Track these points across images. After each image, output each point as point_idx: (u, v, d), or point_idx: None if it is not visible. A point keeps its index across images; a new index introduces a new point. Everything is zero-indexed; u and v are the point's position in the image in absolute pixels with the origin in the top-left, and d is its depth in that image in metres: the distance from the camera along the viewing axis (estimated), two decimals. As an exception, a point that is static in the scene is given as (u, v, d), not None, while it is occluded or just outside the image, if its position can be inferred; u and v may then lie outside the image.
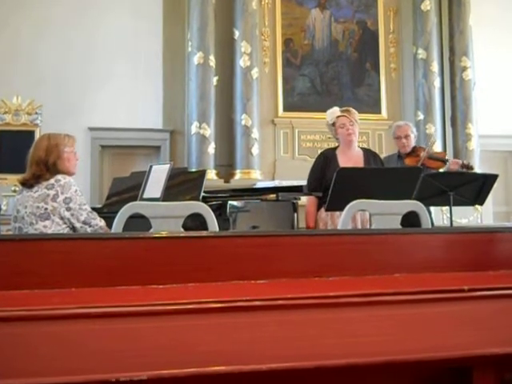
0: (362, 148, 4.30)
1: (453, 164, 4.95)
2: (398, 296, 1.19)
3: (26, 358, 0.93)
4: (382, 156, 5.10)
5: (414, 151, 4.92)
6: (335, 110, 4.15)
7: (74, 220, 3.18)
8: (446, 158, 5.17)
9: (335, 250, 1.52)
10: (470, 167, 5.27)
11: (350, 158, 4.04)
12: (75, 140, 3.46)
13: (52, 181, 3.20)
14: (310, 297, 1.17)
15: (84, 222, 3.20)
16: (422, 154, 4.83)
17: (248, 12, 7.83)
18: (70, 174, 3.34)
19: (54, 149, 3.29)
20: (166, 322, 1.04)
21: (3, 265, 1.27)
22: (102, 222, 3.29)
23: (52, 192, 3.17)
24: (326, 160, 4.05)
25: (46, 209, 3.15)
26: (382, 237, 1.63)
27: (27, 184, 3.27)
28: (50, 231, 3.11)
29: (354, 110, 4.17)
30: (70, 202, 3.17)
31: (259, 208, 4.05)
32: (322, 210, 3.90)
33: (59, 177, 3.22)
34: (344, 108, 4.21)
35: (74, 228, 3.20)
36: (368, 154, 4.20)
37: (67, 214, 3.17)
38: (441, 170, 4.98)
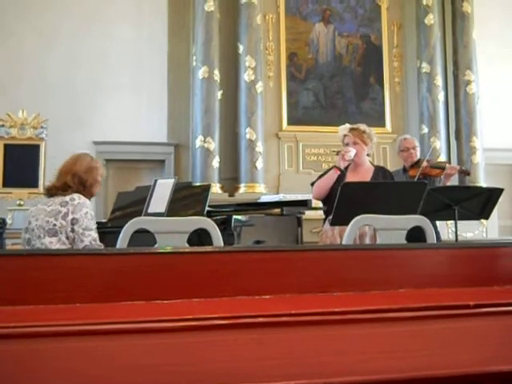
0: (374, 165, 4.28)
1: (450, 169, 4.98)
2: (403, 312, 1.19)
3: (31, 377, 0.93)
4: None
5: (418, 162, 4.97)
6: (344, 128, 4.15)
7: (75, 245, 3.13)
8: (446, 165, 5.19)
9: (340, 265, 1.52)
10: (467, 172, 5.32)
11: (358, 174, 4.03)
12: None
13: (67, 198, 3.19)
14: (315, 313, 1.17)
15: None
16: (423, 164, 4.87)
17: (252, 27, 7.87)
18: (93, 196, 3.39)
19: (94, 170, 3.33)
20: (171, 339, 1.04)
21: (9, 280, 1.27)
22: None
23: (64, 210, 3.15)
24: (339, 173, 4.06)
25: (54, 225, 3.12)
26: (387, 252, 1.62)
27: (51, 191, 3.27)
28: (54, 248, 3.09)
29: (363, 128, 4.12)
30: (75, 223, 3.13)
31: (264, 222, 4.06)
32: (327, 223, 3.91)
33: (75, 196, 3.21)
34: (353, 126, 4.17)
35: None
36: (378, 171, 4.18)
37: (72, 235, 3.14)
38: (441, 177, 5.01)
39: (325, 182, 4.01)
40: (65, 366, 0.95)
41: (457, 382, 1.06)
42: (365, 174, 4.06)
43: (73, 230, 3.14)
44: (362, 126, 4.15)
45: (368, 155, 4.20)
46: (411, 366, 1.06)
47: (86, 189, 3.27)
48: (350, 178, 3.99)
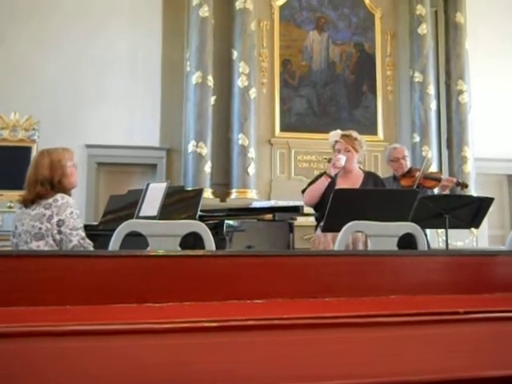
0: (364, 171, 4.30)
1: (446, 181, 4.98)
2: (393, 318, 1.19)
3: (22, 375, 0.93)
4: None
5: (410, 172, 4.96)
6: (335, 134, 4.16)
7: (63, 246, 3.06)
8: (441, 176, 5.21)
9: (331, 271, 1.53)
10: (464, 185, 5.31)
11: (348, 180, 4.05)
12: (73, 153, 3.41)
13: (50, 200, 3.12)
14: (305, 317, 1.17)
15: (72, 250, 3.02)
16: (418, 174, 4.86)
17: (246, 33, 7.90)
18: (73, 188, 3.29)
19: (57, 165, 3.20)
20: (162, 341, 1.04)
21: (-1, 281, 1.27)
22: None
23: (48, 212, 3.09)
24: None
25: (40, 228, 3.07)
26: (379, 258, 1.63)
27: (27, 203, 3.20)
28: None
29: (355, 135, 4.13)
30: (62, 224, 3.07)
31: (255, 228, 4.05)
32: (319, 229, 3.92)
33: (58, 196, 3.14)
34: (345, 132, 4.18)
35: None
36: (368, 177, 4.20)
37: (58, 238, 3.08)
38: (436, 189, 5.02)
39: (316, 189, 4.02)
40: (56, 365, 0.95)
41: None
42: (355, 181, 4.08)
43: (60, 232, 3.08)
44: (354, 133, 4.16)
45: (359, 162, 4.22)
46: (401, 371, 1.06)
47: (59, 187, 3.18)
48: (341, 184, 4.00)
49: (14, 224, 3.24)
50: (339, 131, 4.20)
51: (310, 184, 4.15)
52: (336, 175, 4.04)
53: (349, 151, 4.07)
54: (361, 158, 4.21)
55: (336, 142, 4.11)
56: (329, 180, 3.96)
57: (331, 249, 3.66)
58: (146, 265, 1.41)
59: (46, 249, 3.05)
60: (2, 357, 0.94)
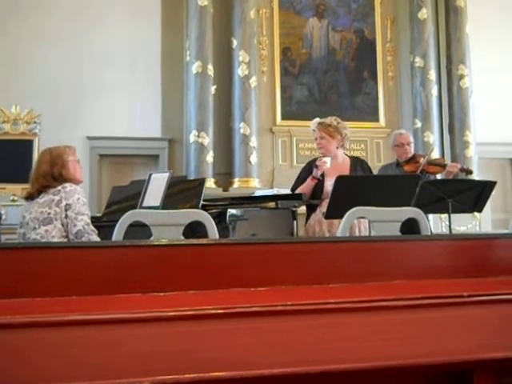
0: (349, 156, 4.29)
1: (451, 167, 5.00)
2: (398, 302, 1.20)
3: (29, 365, 0.94)
4: (380, 165, 5.14)
5: (414, 158, 4.98)
6: (313, 123, 4.21)
7: (68, 230, 3.15)
8: (445, 162, 5.23)
9: (335, 257, 1.53)
10: (468, 171, 5.32)
11: (334, 167, 4.00)
12: (75, 149, 3.48)
13: (59, 187, 3.21)
14: (310, 303, 1.18)
15: (76, 235, 3.12)
16: (422, 160, 4.87)
17: (246, 21, 7.87)
18: (77, 181, 3.35)
19: (57, 160, 3.30)
20: (167, 329, 1.05)
21: (4, 273, 1.27)
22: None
23: (57, 197, 3.18)
24: (312, 169, 4.04)
25: (48, 213, 3.15)
26: (382, 244, 1.63)
27: (33, 196, 3.28)
28: (50, 236, 3.10)
29: (329, 122, 4.10)
30: (68, 208, 3.15)
31: (258, 216, 4.06)
32: (312, 216, 3.92)
33: (66, 184, 3.23)
34: (322, 120, 4.17)
35: (68, 239, 3.16)
36: (355, 161, 4.21)
37: (65, 221, 3.16)
38: (440, 175, 5.03)
39: (306, 189, 4.00)
40: (64, 354, 0.95)
41: (451, 368, 1.08)
42: (342, 167, 4.06)
43: (66, 216, 3.16)
44: (329, 120, 4.13)
45: (343, 147, 4.19)
46: (406, 353, 1.07)
47: (60, 179, 3.26)
48: (329, 172, 3.92)
49: (22, 215, 3.31)
50: (317, 119, 4.22)
51: (296, 182, 4.13)
52: (322, 175, 4.01)
53: (322, 138, 4.08)
54: (341, 142, 4.16)
55: (313, 131, 4.15)
56: (315, 181, 3.96)
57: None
58: (150, 254, 1.41)
59: (54, 232, 3.13)
60: (9, 348, 0.94)
